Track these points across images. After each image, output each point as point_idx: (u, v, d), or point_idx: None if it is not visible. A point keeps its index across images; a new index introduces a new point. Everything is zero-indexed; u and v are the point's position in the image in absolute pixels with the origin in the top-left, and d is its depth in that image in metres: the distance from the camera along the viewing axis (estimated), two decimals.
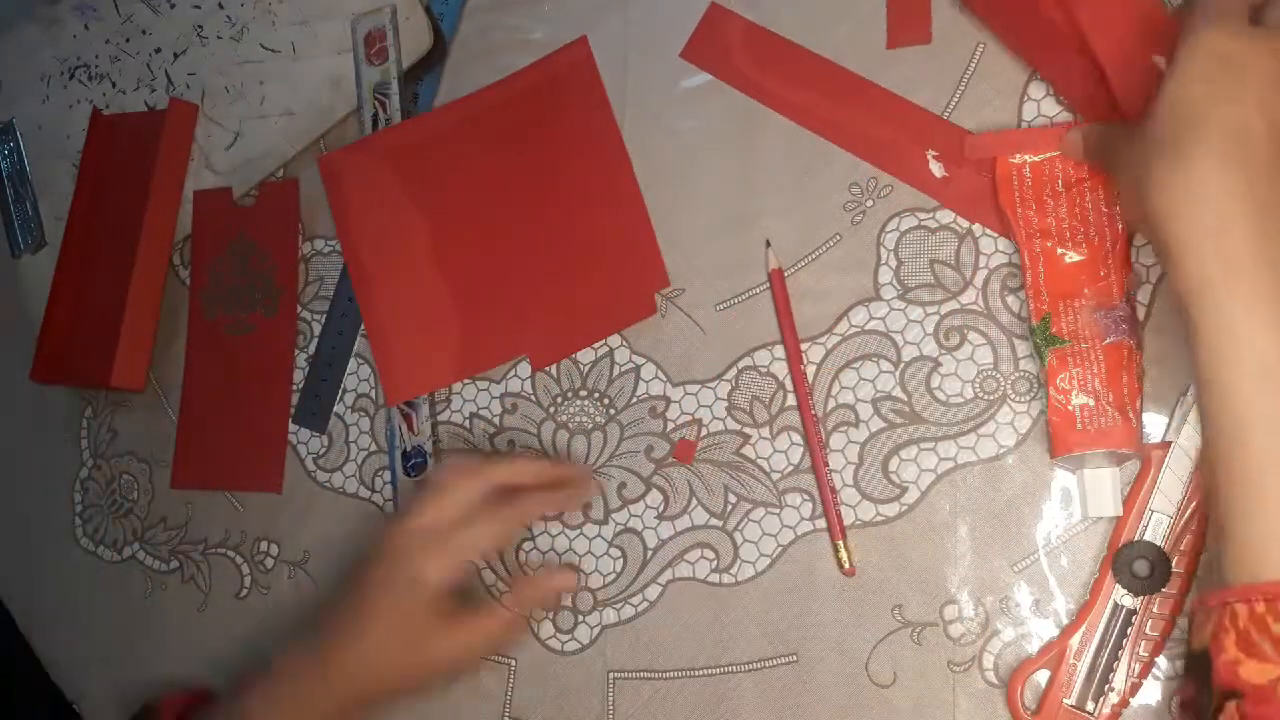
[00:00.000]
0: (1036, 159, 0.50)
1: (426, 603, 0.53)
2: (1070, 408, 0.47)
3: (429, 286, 0.61)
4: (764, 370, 0.55)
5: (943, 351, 0.51)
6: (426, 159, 0.62)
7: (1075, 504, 0.48)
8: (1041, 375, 0.48)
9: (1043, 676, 0.47)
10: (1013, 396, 0.50)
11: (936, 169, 0.52)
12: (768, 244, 0.55)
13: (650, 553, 0.56)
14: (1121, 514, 0.47)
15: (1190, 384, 0.46)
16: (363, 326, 0.63)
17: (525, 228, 0.60)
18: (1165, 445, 0.46)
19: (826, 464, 0.52)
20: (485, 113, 0.61)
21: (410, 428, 0.61)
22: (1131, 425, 0.46)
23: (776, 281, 0.54)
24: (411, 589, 0.53)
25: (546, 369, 0.59)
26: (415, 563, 0.53)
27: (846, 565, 0.51)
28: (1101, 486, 0.47)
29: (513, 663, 0.58)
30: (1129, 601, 0.46)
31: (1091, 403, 0.47)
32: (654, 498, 0.56)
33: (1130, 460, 0.47)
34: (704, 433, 0.55)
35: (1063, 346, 0.48)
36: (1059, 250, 0.49)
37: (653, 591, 0.55)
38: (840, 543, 0.51)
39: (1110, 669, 0.45)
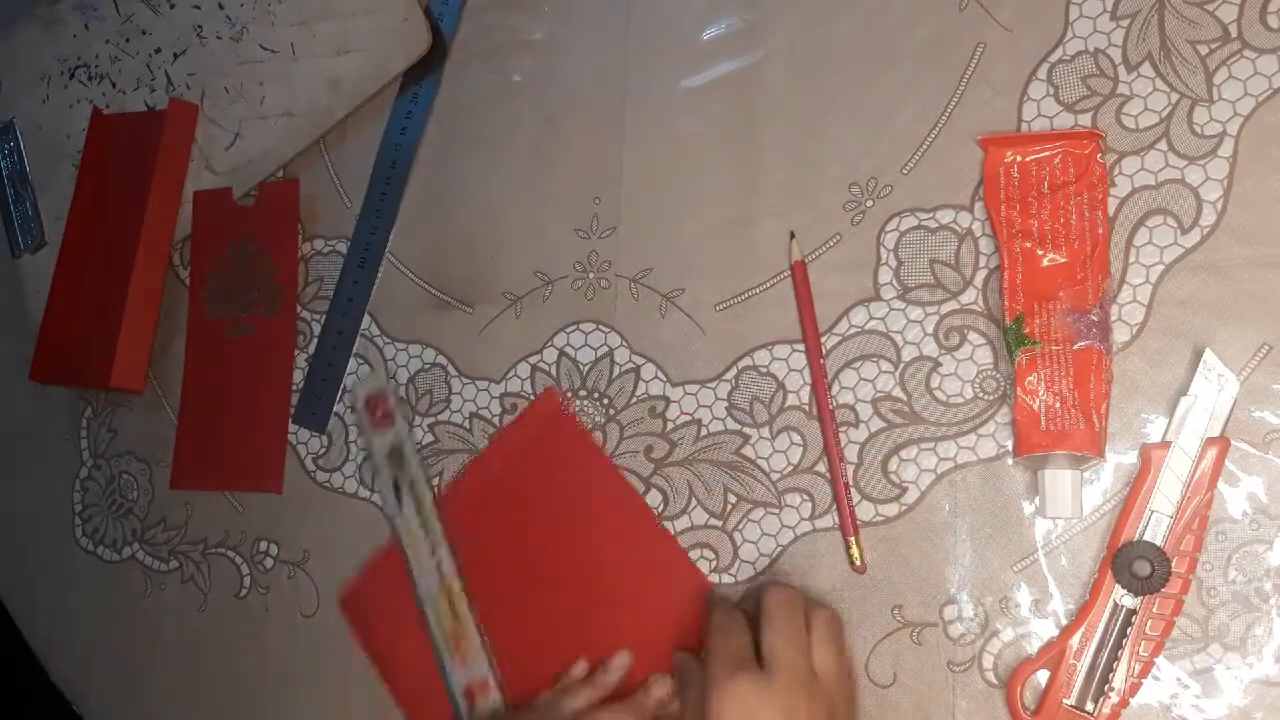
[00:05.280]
0: (1025, 158, 0.50)
1: None
2: (1036, 408, 0.47)
3: None
4: (764, 370, 0.55)
5: (943, 351, 0.51)
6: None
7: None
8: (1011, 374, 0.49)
9: (1043, 676, 0.47)
10: (1013, 396, 0.50)
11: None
12: (792, 235, 0.54)
13: None
14: (1080, 516, 0.48)
15: (1190, 385, 0.46)
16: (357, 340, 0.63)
17: (555, 584, 0.57)
18: (1165, 445, 0.46)
19: (842, 459, 0.52)
20: (483, 489, 0.59)
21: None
22: (1095, 429, 0.46)
23: (799, 274, 0.54)
24: None
25: (547, 369, 0.59)
26: None
27: (858, 562, 0.51)
28: (1060, 488, 0.47)
29: None
30: (1129, 601, 0.46)
31: (1057, 405, 0.47)
32: (654, 498, 0.56)
33: (1092, 464, 0.48)
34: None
35: (1033, 348, 0.48)
36: (1038, 252, 0.49)
37: None
38: (853, 539, 0.51)
39: (1110, 669, 0.46)
